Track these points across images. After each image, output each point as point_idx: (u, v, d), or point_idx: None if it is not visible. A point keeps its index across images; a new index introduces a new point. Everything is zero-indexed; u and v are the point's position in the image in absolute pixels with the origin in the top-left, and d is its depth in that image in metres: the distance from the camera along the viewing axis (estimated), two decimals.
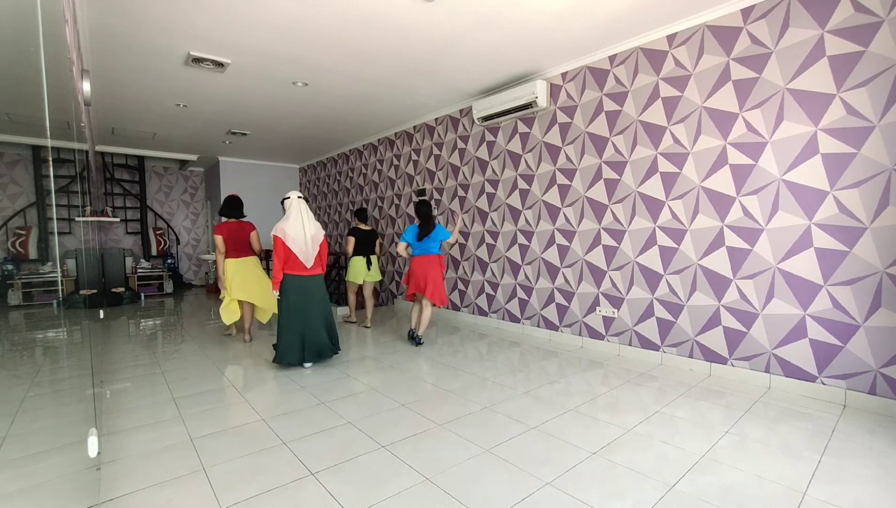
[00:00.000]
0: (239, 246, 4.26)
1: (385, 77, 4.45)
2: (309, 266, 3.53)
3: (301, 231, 3.47)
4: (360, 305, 6.54)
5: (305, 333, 3.51)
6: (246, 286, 4.24)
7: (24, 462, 2.11)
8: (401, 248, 4.34)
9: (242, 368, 3.59)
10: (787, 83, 2.89)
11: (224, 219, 4.34)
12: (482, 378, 3.25)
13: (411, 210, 6.29)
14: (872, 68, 2.58)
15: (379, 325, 5.31)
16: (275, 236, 3.44)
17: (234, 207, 4.31)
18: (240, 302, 4.36)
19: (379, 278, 5.23)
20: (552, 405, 2.73)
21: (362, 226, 5.13)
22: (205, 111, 5.53)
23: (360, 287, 5.32)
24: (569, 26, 3.42)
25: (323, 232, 3.68)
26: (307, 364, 3.60)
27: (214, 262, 6.68)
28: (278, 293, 3.48)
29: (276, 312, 3.81)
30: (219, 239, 4.17)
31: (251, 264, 4.34)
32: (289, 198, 3.63)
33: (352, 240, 5.02)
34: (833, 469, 1.98)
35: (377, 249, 5.25)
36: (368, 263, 5.07)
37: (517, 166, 4.73)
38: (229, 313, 4.28)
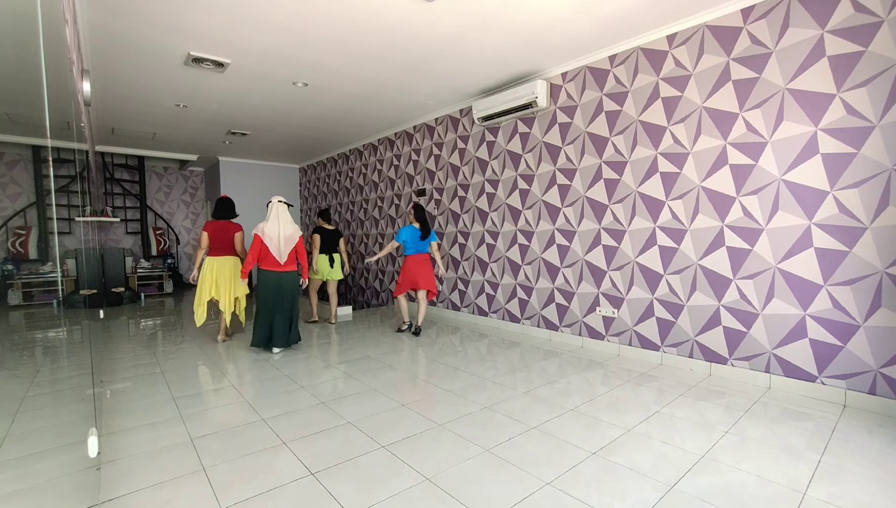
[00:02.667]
0: (222, 245, 4.33)
1: (385, 77, 4.45)
2: (282, 262, 3.96)
3: (276, 232, 3.92)
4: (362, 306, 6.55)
5: (274, 322, 3.95)
6: (217, 285, 4.28)
7: (24, 462, 2.11)
8: (393, 246, 4.69)
9: (242, 368, 3.59)
10: (787, 83, 2.89)
11: (213, 219, 4.44)
12: (482, 378, 3.25)
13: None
14: (872, 68, 2.58)
15: (379, 325, 5.32)
16: (255, 235, 3.91)
17: (224, 207, 4.42)
18: (211, 302, 4.43)
19: (341, 275, 5.46)
20: (552, 405, 2.73)
21: (326, 226, 5.37)
22: (205, 111, 5.53)
23: (324, 285, 5.63)
24: (569, 26, 3.42)
25: (299, 233, 4.11)
26: (276, 350, 4.01)
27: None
28: (246, 283, 4.01)
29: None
30: (203, 235, 4.25)
31: (229, 263, 4.35)
32: (272, 202, 4.07)
33: (317, 238, 5.28)
34: (833, 469, 1.98)
35: (342, 246, 5.48)
36: (331, 261, 5.31)
37: (517, 166, 4.73)
38: (199, 316, 4.32)
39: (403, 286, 4.60)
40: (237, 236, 4.38)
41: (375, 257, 4.74)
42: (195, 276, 4.27)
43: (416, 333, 4.64)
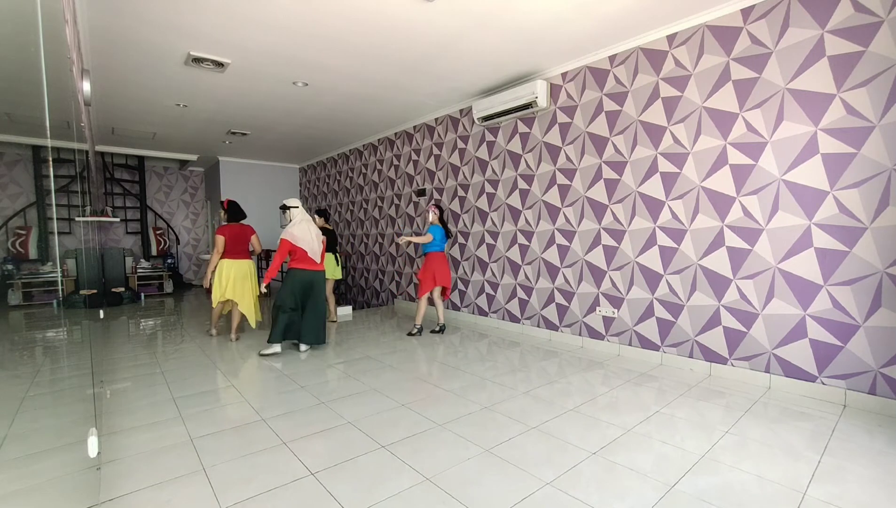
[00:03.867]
0: (239, 248, 4.41)
1: (385, 77, 4.45)
2: (318, 261, 4.01)
3: (308, 233, 3.97)
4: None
5: (305, 319, 3.96)
6: (236, 288, 4.37)
7: (24, 461, 2.11)
8: (427, 239, 4.61)
9: (242, 368, 3.59)
10: (787, 83, 2.89)
11: (225, 222, 4.48)
12: (482, 378, 3.25)
13: (411, 210, 6.29)
14: (872, 68, 2.58)
15: (379, 325, 5.32)
16: (283, 239, 3.89)
17: (238, 211, 4.51)
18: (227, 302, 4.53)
19: (340, 275, 5.57)
20: (552, 405, 2.73)
21: (328, 226, 5.41)
22: (205, 111, 5.53)
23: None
24: (569, 26, 3.42)
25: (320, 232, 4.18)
26: (303, 348, 4.02)
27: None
28: (265, 287, 4.03)
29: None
30: (220, 239, 4.32)
31: (245, 266, 4.46)
32: (296, 207, 4.07)
33: (323, 240, 5.21)
34: (833, 469, 1.98)
35: (337, 247, 5.57)
36: (337, 260, 5.38)
37: (517, 166, 4.73)
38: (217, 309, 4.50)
39: (430, 284, 4.57)
40: (254, 238, 4.50)
41: (406, 239, 4.55)
42: (209, 280, 4.32)
43: (442, 330, 4.77)
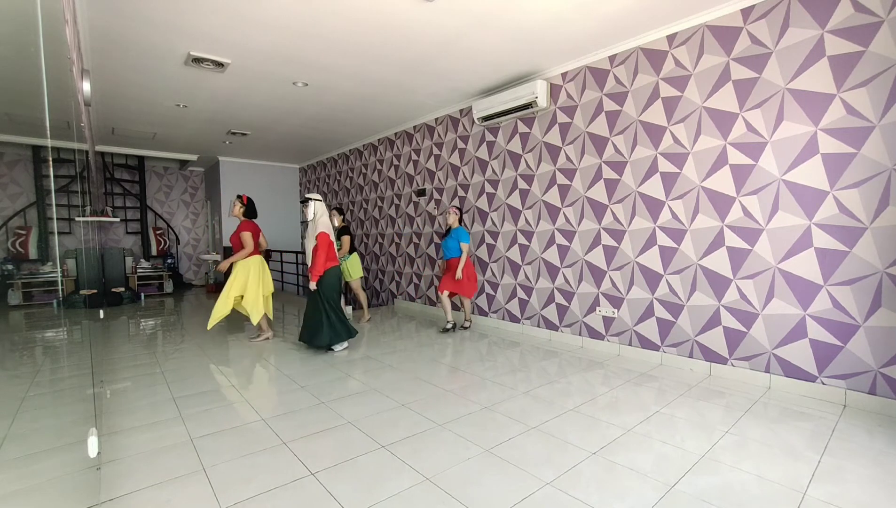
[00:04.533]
0: (257, 244, 4.43)
1: (385, 77, 4.45)
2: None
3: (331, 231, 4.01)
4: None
5: (342, 315, 4.02)
6: (265, 282, 4.32)
7: (24, 461, 2.11)
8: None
9: (242, 368, 3.59)
10: (787, 83, 2.89)
11: (244, 218, 4.39)
12: (482, 378, 3.25)
13: (411, 210, 6.29)
14: (872, 68, 2.58)
15: (379, 325, 5.32)
16: (324, 233, 3.86)
17: (255, 208, 4.47)
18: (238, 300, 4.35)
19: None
20: (552, 405, 2.73)
21: (344, 224, 5.36)
22: (205, 111, 5.53)
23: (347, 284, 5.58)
24: (569, 26, 3.42)
25: None
26: (340, 347, 4.04)
27: (216, 262, 6.80)
28: (315, 285, 3.87)
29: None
30: (248, 236, 4.19)
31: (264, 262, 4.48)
32: (319, 201, 4.00)
33: (348, 239, 5.23)
34: (833, 469, 1.98)
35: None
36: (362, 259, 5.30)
37: (517, 166, 4.73)
38: (258, 310, 4.19)
39: (474, 286, 4.76)
40: (261, 235, 4.47)
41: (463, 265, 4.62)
42: (224, 267, 4.24)
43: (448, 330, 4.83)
